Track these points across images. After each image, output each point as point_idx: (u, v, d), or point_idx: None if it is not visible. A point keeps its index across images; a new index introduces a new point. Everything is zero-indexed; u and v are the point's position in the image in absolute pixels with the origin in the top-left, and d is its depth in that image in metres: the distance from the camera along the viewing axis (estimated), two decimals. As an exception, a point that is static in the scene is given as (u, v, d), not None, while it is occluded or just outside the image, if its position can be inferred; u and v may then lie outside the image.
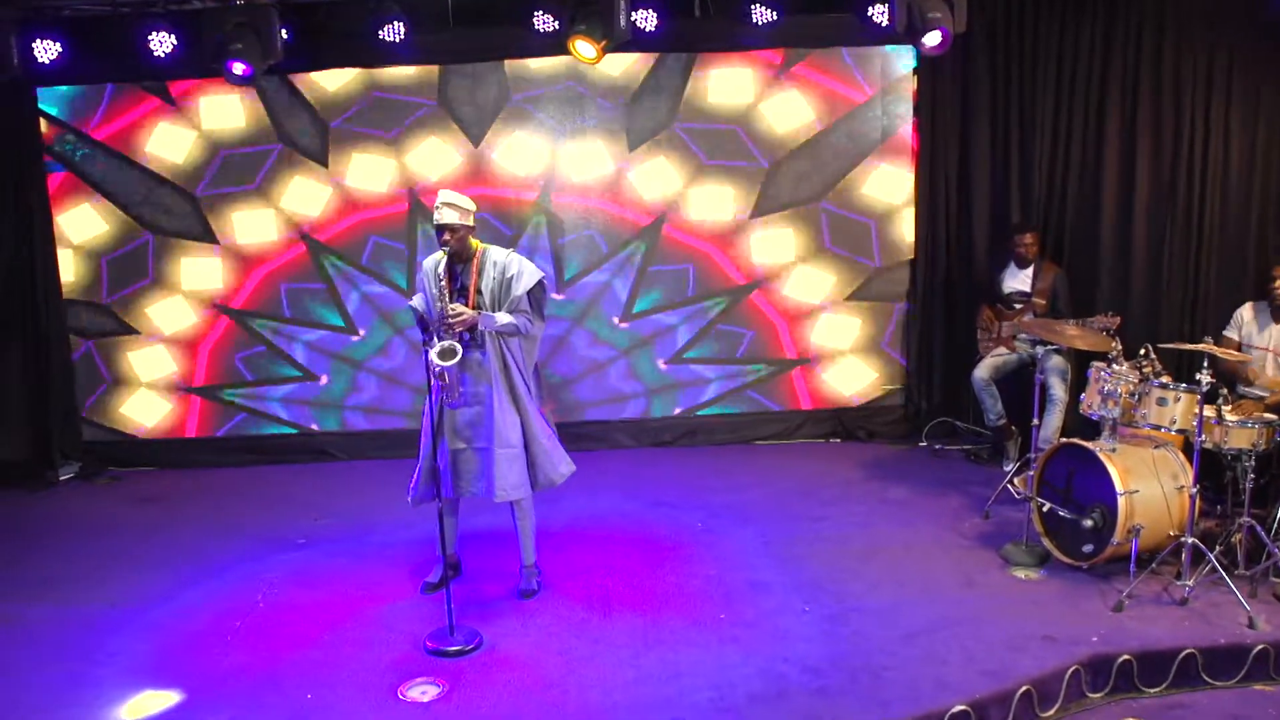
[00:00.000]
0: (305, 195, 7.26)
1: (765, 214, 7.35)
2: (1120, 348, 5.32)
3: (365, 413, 7.55)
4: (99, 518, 6.55)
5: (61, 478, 7.26)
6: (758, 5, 6.63)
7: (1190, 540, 4.90)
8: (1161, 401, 5.08)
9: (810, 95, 7.22)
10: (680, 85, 7.19)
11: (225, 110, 7.14)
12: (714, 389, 7.58)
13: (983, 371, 6.73)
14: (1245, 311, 5.84)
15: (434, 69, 7.14)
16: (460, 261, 4.90)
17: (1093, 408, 5.29)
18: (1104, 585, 5.03)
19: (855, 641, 4.61)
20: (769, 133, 7.25)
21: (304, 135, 7.19)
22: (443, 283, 4.80)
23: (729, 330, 7.49)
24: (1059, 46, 6.79)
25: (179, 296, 7.36)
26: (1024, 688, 4.24)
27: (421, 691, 4.33)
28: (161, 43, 6.36)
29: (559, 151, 7.27)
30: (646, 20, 6.53)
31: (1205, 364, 4.80)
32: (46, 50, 6.37)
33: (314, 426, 7.55)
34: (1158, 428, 5.15)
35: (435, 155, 7.24)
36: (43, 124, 7.11)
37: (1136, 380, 5.15)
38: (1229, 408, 5.11)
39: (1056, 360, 6.46)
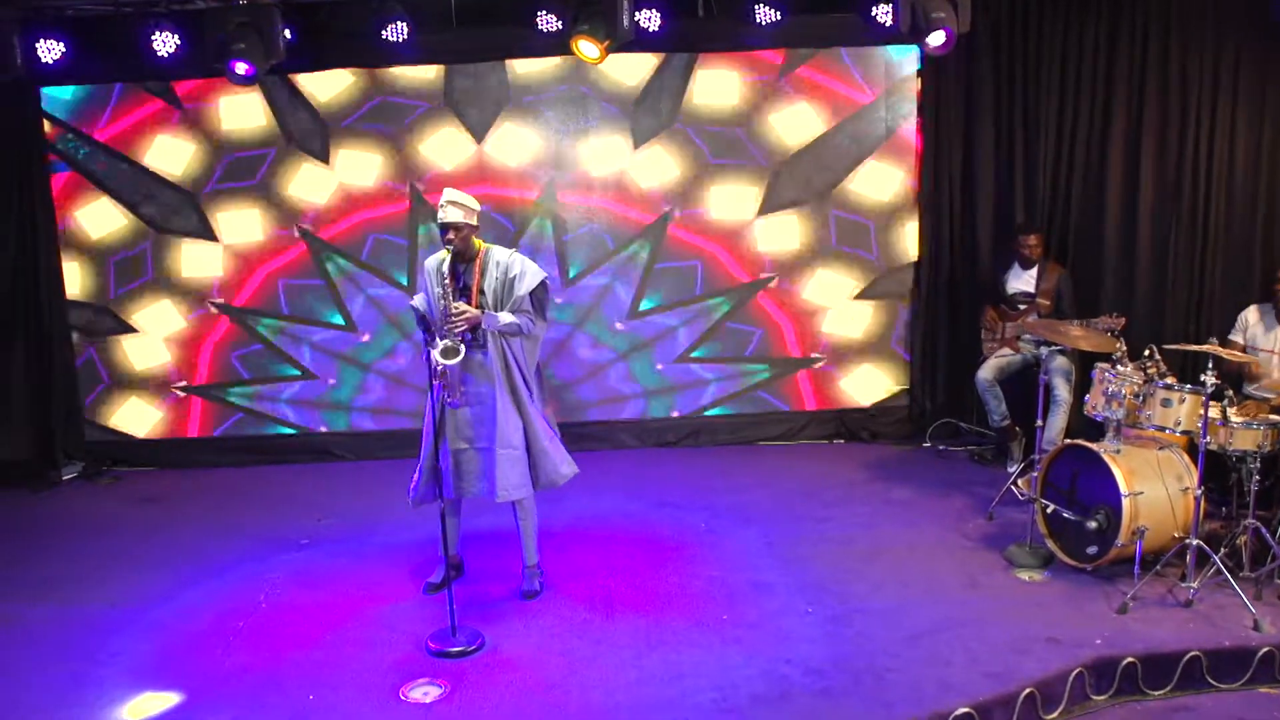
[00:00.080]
0: (307, 194, 7.25)
1: (769, 214, 7.33)
2: (1125, 349, 5.31)
3: (368, 413, 7.54)
4: (101, 518, 6.56)
5: (64, 477, 7.26)
6: (761, 5, 6.61)
7: (1195, 542, 4.89)
8: (1166, 403, 5.07)
9: (814, 96, 7.20)
10: (684, 85, 7.17)
11: (228, 109, 7.13)
12: (718, 390, 7.57)
13: (987, 372, 6.72)
14: (1250, 314, 5.82)
15: (437, 67, 7.12)
16: (463, 261, 4.90)
17: (1097, 409, 5.27)
18: (1108, 587, 5.02)
19: (858, 643, 4.60)
20: (773, 133, 7.23)
21: (305, 133, 7.18)
22: (446, 281, 4.79)
23: (733, 330, 7.47)
24: (1063, 46, 6.77)
25: (180, 296, 7.35)
26: (1028, 690, 4.22)
27: (423, 692, 4.33)
28: (164, 42, 6.36)
29: (563, 150, 7.26)
30: (650, 20, 6.51)
31: (1210, 365, 4.79)
32: (50, 50, 6.36)
33: (315, 427, 7.54)
34: (1162, 429, 5.13)
35: (438, 153, 7.23)
36: (46, 125, 7.10)
37: (1141, 381, 5.14)
38: (1234, 409, 5.10)
39: (1061, 361, 6.44)
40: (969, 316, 7.15)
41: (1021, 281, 6.71)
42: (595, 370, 7.51)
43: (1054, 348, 6.15)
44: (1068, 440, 5.41)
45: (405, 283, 7.34)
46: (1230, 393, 5.09)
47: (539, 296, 4.96)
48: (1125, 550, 4.97)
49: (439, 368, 4.70)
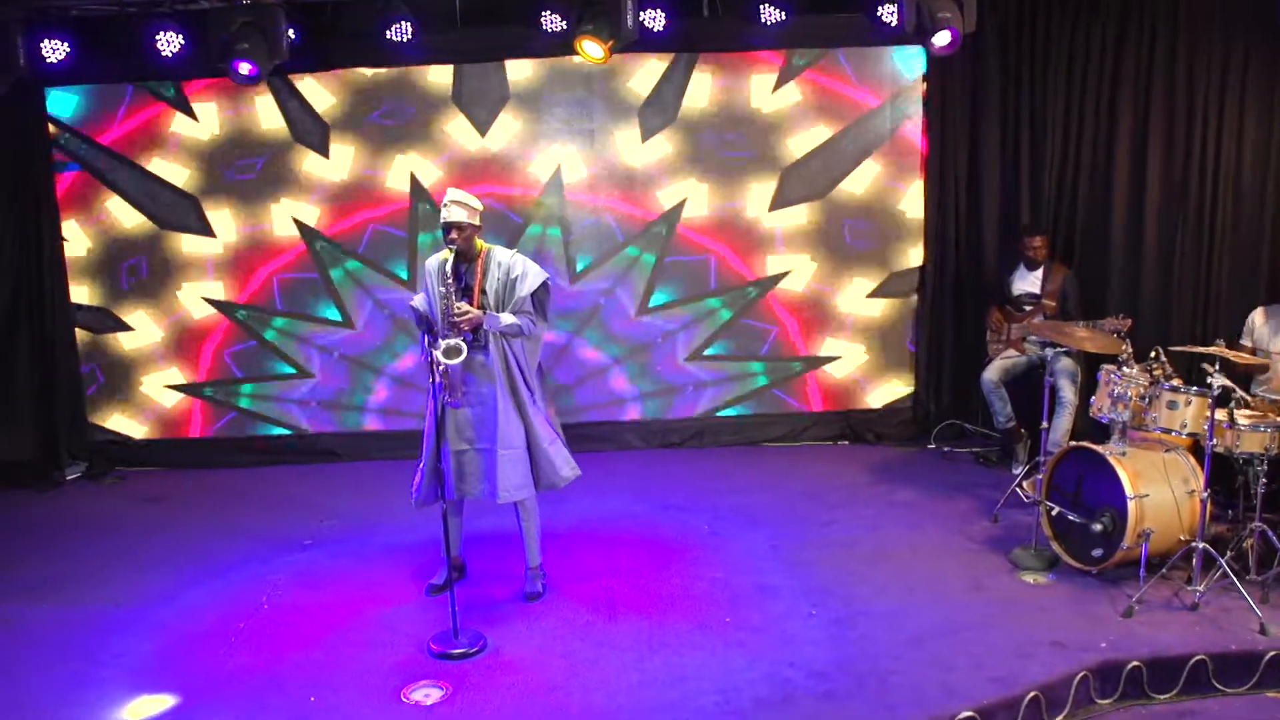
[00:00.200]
0: (307, 193, 7.25)
1: (774, 214, 7.31)
2: (1131, 350, 5.28)
3: (370, 413, 7.53)
4: (104, 518, 6.56)
5: (68, 478, 7.26)
6: (766, 5, 6.60)
7: (1201, 545, 4.86)
8: (1172, 405, 5.05)
9: (820, 96, 7.18)
10: (689, 84, 7.15)
11: (231, 108, 7.13)
12: (722, 390, 7.55)
13: (992, 374, 6.69)
14: (1257, 316, 5.79)
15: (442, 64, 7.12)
16: (465, 261, 4.89)
17: (1103, 411, 5.25)
18: (1113, 590, 4.99)
19: (862, 646, 4.58)
20: (779, 133, 7.21)
21: (307, 130, 7.17)
22: (449, 281, 4.78)
23: (738, 330, 7.45)
24: (1070, 46, 6.75)
25: (180, 295, 7.35)
26: (1032, 694, 4.20)
27: (425, 694, 4.32)
28: (169, 42, 6.36)
29: (568, 148, 7.24)
30: (654, 20, 6.50)
31: (1216, 367, 4.76)
32: (54, 50, 6.37)
33: (316, 427, 7.53)
34: (1168, 431, 5.10)
35: (441, 152, 7.22)
36: (50, 127, 7.11)
37: (1147, 383, 5.12)
38: (1241, 410, 5.06)
39: (1066, 363, 6.42)
40: (974, 318, 7.12)
41: (1027, 283, 6.68)
42: (599, 371, 7.50)
43: (1059, 349, 6.13)
44: (1073, 442, 5.38)
45: (405, 277, 7.33)
46: (1238, 394, 5.05)
47: (540, 297, 4.96)
48: (1131, 553, 4.94)
49: (442, 367, 4.69)
